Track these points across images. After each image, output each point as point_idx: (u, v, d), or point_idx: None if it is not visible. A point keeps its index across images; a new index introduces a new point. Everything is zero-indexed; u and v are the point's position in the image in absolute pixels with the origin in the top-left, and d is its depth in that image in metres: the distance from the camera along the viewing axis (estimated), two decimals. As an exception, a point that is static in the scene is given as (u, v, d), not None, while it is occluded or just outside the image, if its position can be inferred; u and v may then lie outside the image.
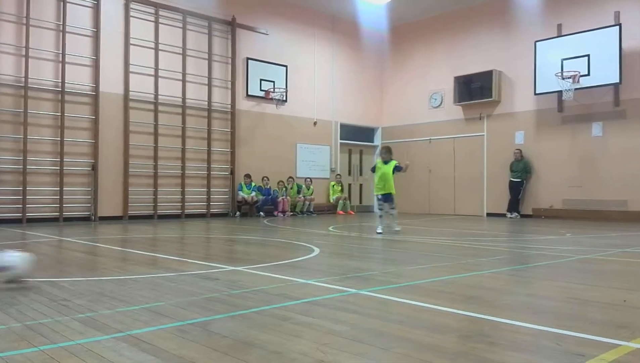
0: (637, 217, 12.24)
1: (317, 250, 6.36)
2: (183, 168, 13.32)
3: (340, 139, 17.11)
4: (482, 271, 4.80)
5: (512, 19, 14.75)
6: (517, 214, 14.19)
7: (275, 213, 14.53)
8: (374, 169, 9.57)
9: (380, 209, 9.41)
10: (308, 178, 15.57)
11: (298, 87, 15.80)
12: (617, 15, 12.65)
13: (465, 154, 15.81)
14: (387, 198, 9.16)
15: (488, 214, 15.17)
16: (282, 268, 4.92)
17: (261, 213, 14.18)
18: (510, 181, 14.37)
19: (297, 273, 4.65)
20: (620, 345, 2.48)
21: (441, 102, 16.45)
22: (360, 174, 18.06)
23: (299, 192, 15.21)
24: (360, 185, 18.06)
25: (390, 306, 3.44)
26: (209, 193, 13.83)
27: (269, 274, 4.54)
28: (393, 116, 17.82)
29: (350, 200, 16.99)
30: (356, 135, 17.72)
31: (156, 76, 12.91)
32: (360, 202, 17.99)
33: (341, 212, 15.99)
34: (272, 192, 14.63)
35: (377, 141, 18.21)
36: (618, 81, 12.43)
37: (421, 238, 8.31)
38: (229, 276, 4.51)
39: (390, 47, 17.75)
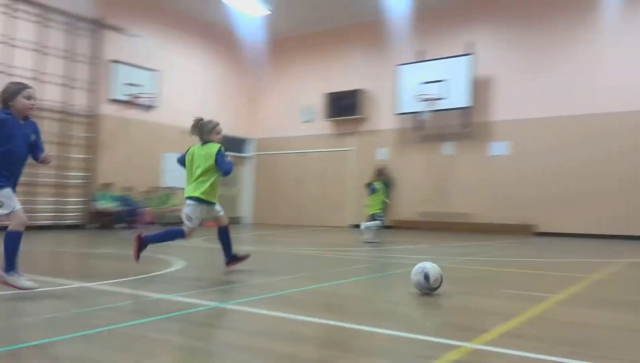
0: (479, 228, 13.51)
1: (180, 263, 6.12)
2: (34, 174, 12.10)
3: (211, 149, 16.74)
4: (343, 280, 4.95)
5: (379, 42, 15.63)
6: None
7: (138, 224, 13.74)
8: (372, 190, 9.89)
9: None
10: (173, 186, 14.90)
11: (169, 94, 15.23)
12: (469, 45, 14.00)
13: (334, 168, 16.36)
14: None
15: (354, 226, 15.80)
16: (139, 283, 4.63)
17: (122, 225, 13.33)
18: (375, 194, 15.15)
19: (156, 287, 4.41)
20: (463, 346, 2.68)
21: (312, 117, 16.88)
22: (233, 184, 17.83)
23: (165, 202, 14.56)
24: (231, 196, 17.81)
25: (252, 319, 3.39)
26: (63, 202, 12.71)
27: (123, 290, 4.25)
28: (268, 128, 17.91)
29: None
30: (229, 146, 17.42)
31: (6, 74, 11.63)
32: (232, 214, 17.75)
33: (210, 224, 15.58)
34: (134, 202, 13.83)
35: (250, 152, 18.16)
36: (468, 105, 13.73)
37: (289, 249, 8.39)
38: (76, 293, 4.14)
39: (267, 59, 17.87)
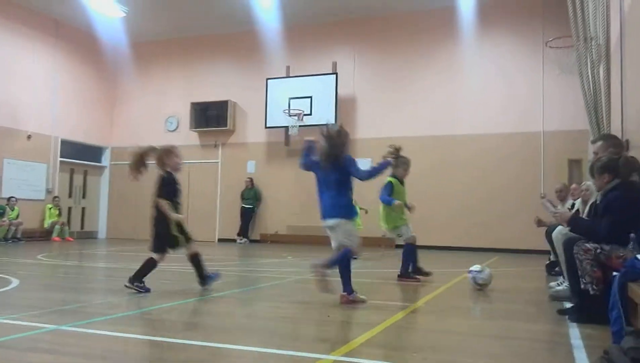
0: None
1: (15, 282, 5.39)
2: None
3: (61, 157, 15.32)
4: (204, 296, 4.70)
5: (248, 54, 15.54)
6: (246, 239, 14.75)
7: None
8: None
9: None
10: (12, 197, 13.32)
11: (10, 94, 13.65)
12: (334, 65, 14.49)
13: (200, 180, 15.83)
14: None
15: (220, 240, 15.41)
16: (-38, 305, 3.97)
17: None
18: (242, 207, 14.92)
19: (-18, 309, 3.80)
20: (321, 358, 2.62)
21: (177, 127, 16.24)
22: (84, 196, 16.42)
23: (2, 215, 12.93)
24: (83, 209, 16.40)
25: (95, 342, 3.04)
26: None
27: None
28: (126, 136, 16.81)
29: (69, 226, 15.24)
30: (81, 154, 16.11)
31: None
32: (82, 228, 16.31)
33: (57, 239, 14.18)
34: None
35: (106, 161, 16.91)
36: (334, 122, 14.15)
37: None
38: None
39: (128, 64, 16.82)
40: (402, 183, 6.08)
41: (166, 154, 4.99)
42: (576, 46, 7.19)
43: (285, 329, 3.47)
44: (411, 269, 6.01)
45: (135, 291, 4.73)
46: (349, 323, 3.82)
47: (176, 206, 4.96)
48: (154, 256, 4.89)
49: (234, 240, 14.86)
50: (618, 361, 2.36)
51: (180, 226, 4.93)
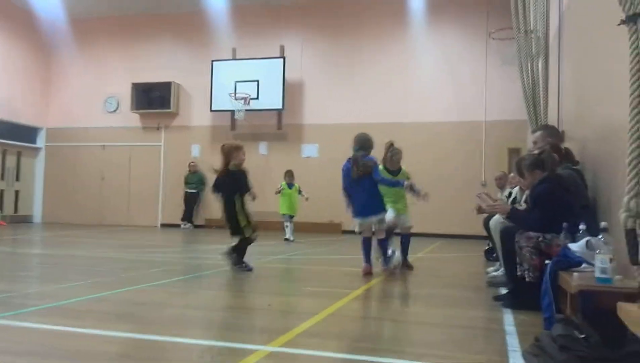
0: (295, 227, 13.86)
1: None
2: None
3: (-8, 137, 14.47)
4: (141, 285, 4.54)
5: (193, 35, 15.08)
6: (190, 224, 14.45)
7: None
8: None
9: None
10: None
11: None
12: (282, 48, 14.29)
13: (142, 163, 15.34)
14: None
15: (162, 225, 15.03)
16: None
17: None
18: (186, 192, 14.58)
19: None
20: (258, 349, 2.57)
21: (117, 108, 15.61)
22: (17, 179, 15.58)
23: None
24: (17, 191, 15.57)
25: (22, 335, 2.87)
26: None
27: None
28: (62, 116, 16.02)
29: (2, 209, 14.45)
30: (13, 134, 15.23)
31: None
32: (16, 211, 15.50)
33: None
34: None
35: (41, 142, 16.09)
36: (281, 107, 14.02)
37: (83, 252, 7.54)
38: None
39: (64, 40, 15.95)
40: (390, 173, 6.01)
41: (235, 150, 5.70)
42: (517, 38, 7.38)
43: (223, 319, 3.39)
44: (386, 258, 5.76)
45: (246, 271, 5.28)
46: (289, 313, 3.78)
47: (243, 199, 5.57)
48: (249, 235, 5.45)
49: (178, 225, 14.53)
50: (548, 348, 2.44)
51: (248, 217, 5.49)
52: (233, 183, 5.50)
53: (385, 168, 6.07)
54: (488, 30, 12.48)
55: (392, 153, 6.05)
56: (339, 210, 14.01)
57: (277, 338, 2.79)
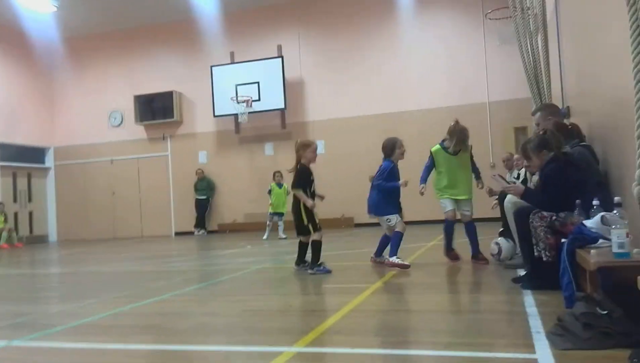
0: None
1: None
2: None
3: (1, 161, 14.60)
4: (162, 296, 4.59)
5: (190, 42, 15.12)
6: (204, 230, 14.54)
7: None
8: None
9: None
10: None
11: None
12: (279, 48, 14.30)
13: (150, 174, 15.45)
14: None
15: (176, 234, 15.13)
16: None
17: None
18: (196, 199, 14.66)
19: None
20: (284, 351, 2.60)
21: (122, 121, 15.71)
22: (29, 200, 15.75)
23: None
24: (30, 212, 15.73)
25: (51, 356, 2.92)
26: None
27: None
28: (68, 134, 16.16)
29: (17, 231, 14.61)
30: (23, 156, 15.40)
31: None
32: (31, 232, 15.67)
33: (5, 245, 13.58)
34: None
35: (50, 162, 16.24)
36: (283, 106, 14.03)
37: (102, 267, 7.62)
38: None
39: (63, 60, 16.05)
40: (450, 153, 5.65)
41: (303, 148, 5.55)
42: (514, 16, 7.33)
43: (247, 324, 3.42)
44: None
45: (323, 273, 5.15)
46: (311, 312, 3.81)
47: (310, 196, 5.47)
48: (314, 236, 5.33)
49: (191, 233, 14.63)
50: (571, 327, 2.45)
51: (311, 215, 5.36)
52: (297, 179, 5.47)
53: (444, 148, 5.68)
54: (484, 11, 12.39)
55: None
56: (350, 204, 14.12)
57: (303, 338, 2.82)
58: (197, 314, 3.89)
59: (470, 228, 5.57)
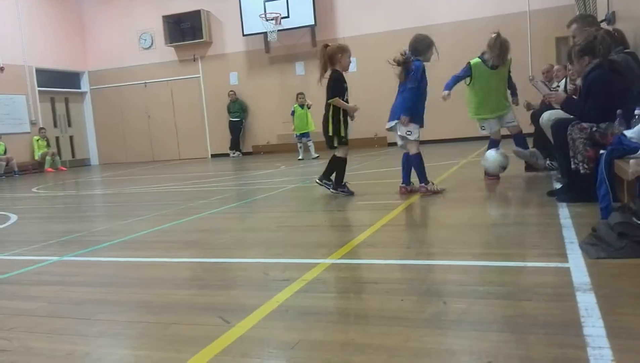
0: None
1: (13, 217, 5.44)
2: None
3: (39, 86, 14.89)
4: (201, 214, 4.76)
5: (216, -42, 14.61)
6: (239, 152, 14.74)
7: None
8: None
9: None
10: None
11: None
12: (308, -40, 13.65)
13: (184, 96, 15.53)
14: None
15: (212, 156, 15.41)
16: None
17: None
18: (230, 121, 14.76)
19: (-17, 249, 3.85)
20: (319, 263, 2.70)
21: (152, 43, 15.62)
22: (69, 125, 16.17)
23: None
24: (71, 137, 16.20)
25: (99, 269, 3.11)
26: None
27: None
28: (101, 58, 16.23)
29: (60, 155, 15.16)
30: (59, 81, 15.65)
31: None
32: (73, 156, 16.23)
33: (50, 169, 14.17)
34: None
35: (85, 86, 16.47)
36: (313, 22, 13.62)
37: (142, 188, 7.90)
38: None
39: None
40: (490, 68, 5.41)
41: (341, 51, 5.01)
42: None
43: (283, 238, 3.54)
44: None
45: (345, 195, 4.99)
46: (345, 227, 3.90)
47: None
48: (338, 153, 5.08)
49: (227, 155, 14.86)
50: (606, 237, 2.44)
51: (338, 127, 5.05)
52: (333, 87, 5.00)
53: (483, 60, 5.43)
54: None
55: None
56: (383, 123, 13.84)
57: (337, 251, 2.91)
58: (235, 230, 4.04)
59: (519, 140, 5.42)
